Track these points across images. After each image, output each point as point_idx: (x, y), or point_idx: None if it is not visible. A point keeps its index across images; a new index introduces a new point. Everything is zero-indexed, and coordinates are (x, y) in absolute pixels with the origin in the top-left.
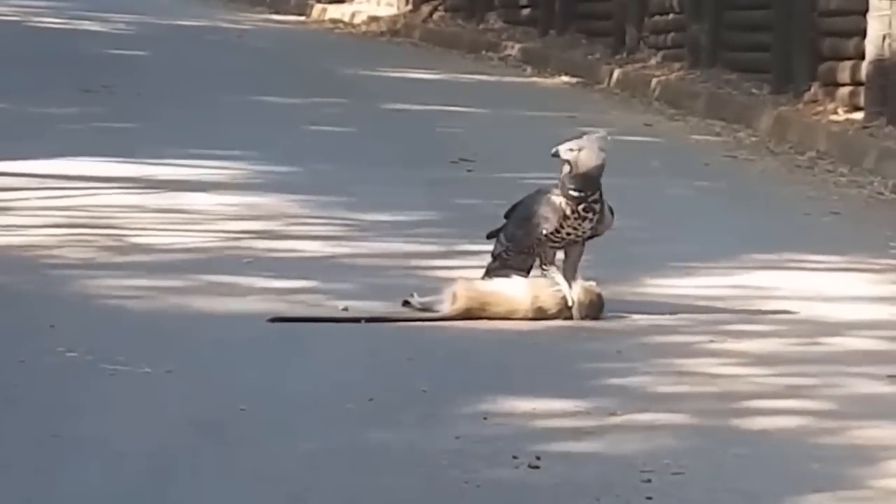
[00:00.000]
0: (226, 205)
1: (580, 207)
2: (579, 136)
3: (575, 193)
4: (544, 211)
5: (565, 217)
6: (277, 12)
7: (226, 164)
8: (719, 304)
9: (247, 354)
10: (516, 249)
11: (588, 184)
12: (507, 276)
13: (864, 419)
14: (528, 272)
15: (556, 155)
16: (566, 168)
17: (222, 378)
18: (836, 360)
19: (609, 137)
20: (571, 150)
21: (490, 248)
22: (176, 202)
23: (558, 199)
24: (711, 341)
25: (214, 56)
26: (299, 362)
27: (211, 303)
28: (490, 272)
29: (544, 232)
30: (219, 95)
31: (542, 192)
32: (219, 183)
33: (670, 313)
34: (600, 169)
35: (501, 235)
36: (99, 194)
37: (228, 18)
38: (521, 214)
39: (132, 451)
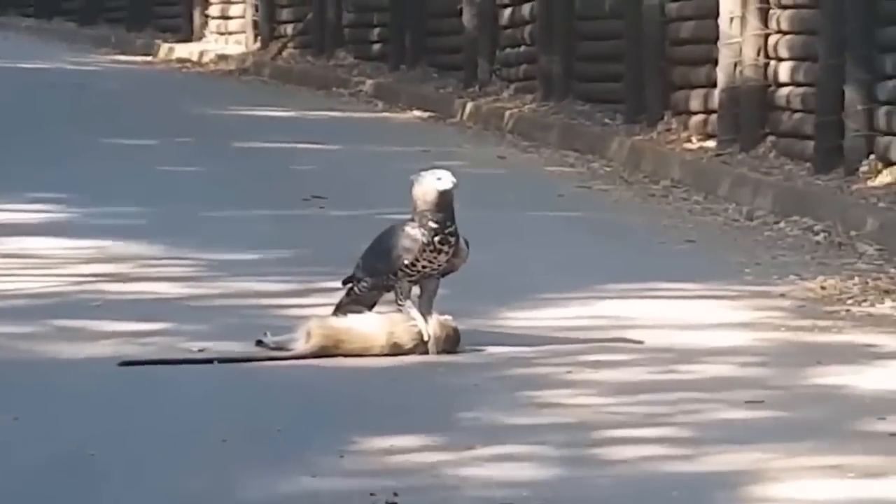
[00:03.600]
0: (73, 248)
1: (436, 239)
2: (429, 169)
3: (434, 224)
4: (404, 242)
5: (423, 249)
6: (123, 52)
7: (72, 207)
8: (576, 335)
9: (97, 399)
10: (372, 284)
11: (446, 214)
12: (359, 311)
13: (722, 445)
14: (372, 308)
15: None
16: (419, 196)
17: (71, 423)
18: (694, 387)
19: (454, 180)
20: (438, 178)
21: (343, 290)
22: (20, 247)
23: (415, 231)
24: (569, 372)
25: (60, 99)
26: (151, 405)
27: (60, 348)
28: (341, 308)
29: (405, 262)
30: (63, 138)
31: (397, 227)
32: (64, 226)
33: (527, 345)
34: (452, 197)
35: (358, 268)
36: None
37: (73, 60)
38: (380, 247)
39: None
